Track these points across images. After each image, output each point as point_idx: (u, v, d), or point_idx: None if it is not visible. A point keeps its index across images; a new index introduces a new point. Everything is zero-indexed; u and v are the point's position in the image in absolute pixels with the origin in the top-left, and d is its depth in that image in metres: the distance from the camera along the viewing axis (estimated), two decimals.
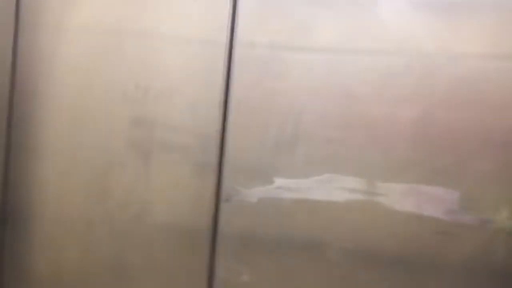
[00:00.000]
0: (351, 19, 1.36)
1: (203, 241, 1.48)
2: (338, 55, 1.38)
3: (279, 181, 1.43)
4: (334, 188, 1.39)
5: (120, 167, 1.53)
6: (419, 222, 1.33)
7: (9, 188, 1.60)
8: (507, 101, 1.27)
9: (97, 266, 1.56)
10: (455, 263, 1.30)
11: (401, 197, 1.34)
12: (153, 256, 1.53)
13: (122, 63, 1.52)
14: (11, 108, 1.59)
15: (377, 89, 1.35)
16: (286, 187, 1.42)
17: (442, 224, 1.31)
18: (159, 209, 1.52)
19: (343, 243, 1.38)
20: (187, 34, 1.48)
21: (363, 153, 1.37)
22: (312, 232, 1.40)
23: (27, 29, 1.56)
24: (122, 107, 1.52)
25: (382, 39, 1.35)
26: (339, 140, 1.38)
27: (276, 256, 1.43)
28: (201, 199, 1.48)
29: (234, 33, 1.44)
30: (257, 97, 1.44)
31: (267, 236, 1.44)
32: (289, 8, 1.40)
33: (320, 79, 1.39)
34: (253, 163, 1.44)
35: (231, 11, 1.44)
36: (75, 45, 1.54)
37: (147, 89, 1.51)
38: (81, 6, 1.53)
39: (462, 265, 1.29)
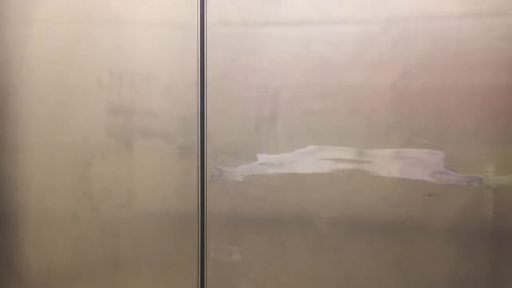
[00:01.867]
0: None
1: (192, 225, 1.46)
2: (312, 26, 1.36)
3: (262, 157, 1.41)
4: (319, 160, 1.37)
5: (102, 156, 1.51)
6: (406, 186, 1.31)
7: None
8: (486, 59, 1.25)
9: (88, 258, 1.55)
10: (444, 223, 1.29)
11: (387, 163, 1.32)
12: (143, 244, 1.51)
13: (94, 51, 1.49)
14: None
15: (354, 57, 1.33)
16: (270, 162, 1.40)
17: (429, 186, 1.30)
18: (145, 196, 1.50)
19: (332, 213, 1.37)
20: (158, 18, 1.46)
21: (344, 122, 1.35)
22: (300, 206, 1.39)
23: None
24: (98, 96, 1.50)
25: (356, 6, 1.32)
26: (320, 111, 1.36)
27: (266, 232, 1.42)
28: (187, 183, 1.46)
29: (205, 13, 1.41)
30: (233, 75, 1.41)
31: (255, 213, 1.42)
32: None
33: (295, 51, 1.37)
34: (235, 141, 1.42)
35: None
36: (44, 38, 1.51)
37: (121, 76, 1.48)
38: None
39: (451, 225, 1.28)
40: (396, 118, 1.31)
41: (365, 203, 1.35)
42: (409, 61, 1.30)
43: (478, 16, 1.26)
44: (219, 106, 1.43)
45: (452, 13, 1.27)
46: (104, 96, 1.50)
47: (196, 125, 1.45)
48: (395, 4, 1.30)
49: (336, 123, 1.36)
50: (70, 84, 1.51)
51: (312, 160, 1.38)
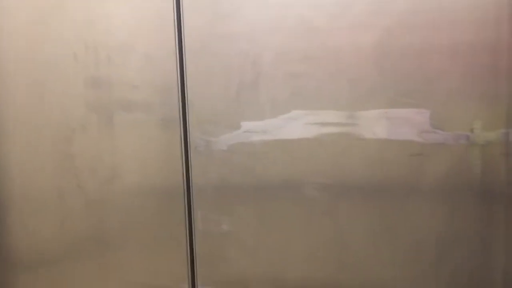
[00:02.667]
0: None
1: (178, 196, 1.44)
2: None
3: (246, 125, 1.38)
4: (304, 124, 1.35)
5: (83, 131, 1.47)
6: (394, 147, 1.29)
7: None
8: (469, 16, 1.22)
9: (75, 236, 1.53)
10: (432, 183, 1.28)
11: (373, 125, 1.30)
12: (130, 218, 1.49)
13: (68, 25, 1.45)
14: None
15: (335, 18, 1.29)
16: (254, 130, 1.38)
17: (416, 146, 1.28)
18: (130, 170, 1.47)
19: (319, 178, 1.35)
20: None
21: (328, 84, 1.32)
22: (286, 172, 1.37)
23: None
24: (75, 70, 1.46)
25: None
26: (303, 75, 1.33)
27: (253, 201, 1.40)
28: (170, 154, 1.44)
29: None
30: (212, 41, 1.37)
31: (242, 182, 1.40)
32: None
33: (275, 15, 1.33)
34: (218, 110, 1.39)
35: None
36: (15, 11, 1.46)
37: (97, 49, 1.44)
38: None
39: (439, 184, 1.27)
40: (380, 78, 1.28)
41: (353, 166, 1.33)
42: (391, 20, 1.26)
43: None
44: (199, 74, 1.39)
45: None
46: (80, 70, 1.46)
47: (177, 95, 1.41)
48: None
49: (320, 87, 1.32)
50: (45, 59, 1.47)
51: (297, 125, 1.35)
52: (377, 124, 1.30)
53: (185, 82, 1.40)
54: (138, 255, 1.50)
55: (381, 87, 1.28)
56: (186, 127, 1.42)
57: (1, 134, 1.52)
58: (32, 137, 1.51)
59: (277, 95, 1.35)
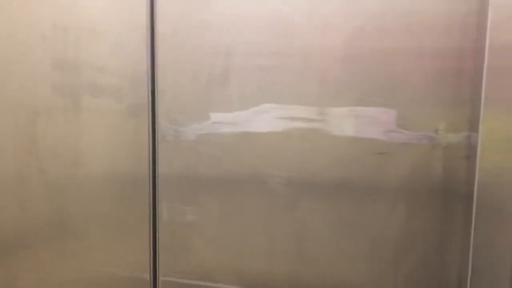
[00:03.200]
0: None
1: (143, 186, 1.43)
2: None
3: (215, 116, 1.38)
4: (272, 118, 1.35)
5: (47, 114, 1.45)
6: (359, 145, 1.31)
7: None
8: (437, 21, 1.24)
9: (36, 221, 1.50)
10: (395, 182, 1.30)
11: (340, 122, 1.32)
12: (93, 206, 1.48)
13: (36, 4, 1.41)
14: None
15: (307, 15, 1.30)
16: (223, 121, 1.38)
17: (381, 145, 1.30)
18: (94, 156, 1.45)
19: (285, 173, 1.36)
20: None
21: (298, 80, 1.33)
22: (253, 165, 1.38)
23: None
24: (42, 50, 1.42)
25: None
26: (273, 69, 1.34)
27: (219, 192, 1.41)
28: (137, 142, 1.43)
29: None
30: (184, 31, 1.37)
31: (208, 173, 1.40)
32: None
33: (248, 7, 1.33)
34: (187, 100, 1.39)
35: None
36: None
37: (67, 31, 1.41)
38: None
39: (402, 184, 1.30)
40: (349, 76, 1.30)
41: (319, 162, 1.35)
42: (361, 22, 1.28)
43: None
44: (169, 63, 1.39)
45: None
46: (48, 51, 1.43)
47: (146, 83, 1.40)
48: None
49: (289, 81, 1.33)
50: (11, 39, 1.44)
51: (266, 119, 1.36)
52: (344, 121, 1.32)
53: (155, 70, 1.39)
54: (99, 243, 1.49)
55: (349, 85, 1.30)
56: (155, 115, 1.41)
57: None
58: None
59: (247, 88, 1.36)
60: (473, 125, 1.23)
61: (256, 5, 1.32)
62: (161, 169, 1.43)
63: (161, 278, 1.47)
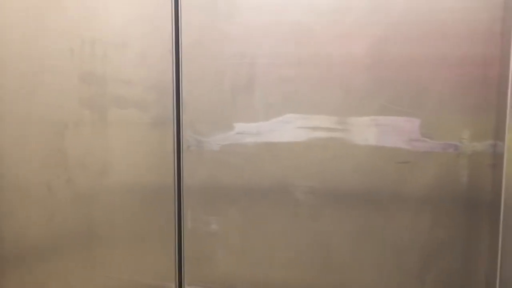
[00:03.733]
0: None
1: (168, 195, 1.45)
2: None
3: (239, 126, 1.40)
4: (295, 128, 1.36)
5: (75, 126, 1.48)
6: (382, 154, 1.31)
7: None
8: (460, 29, 1.24)
9: (64, 230, 1.54)
10: (419, 191, 1.29)
11: (363, 131, 1.32)
12: (119, 215, 1.50)
13: (64, 19, 1.46)
14: None
15: (329, 25, 1.31)
16: (247, 131, 1.39)
17: (404, 154, 1.29)
18: (120, 167, 1.48)
19: (308, 182, 1.36)
20: None
21: (320, 90, 1.33)
22: (276, 175, 1.38)
23: None
24: (71, 64, 1.46)
25: None
26: (296, 78, 1.35)
27: (243, 202, 1.42)
28: (162, 153, 1.45)
29: None
30: (208, 42, 1.39)
31: (232, 183, 1.42)
32: None
33: (271, 18, 1.35)
34: (211, 110, 1.41)
35: None
36: (15, 6, 1.47)
37: (94, 44, 1.45)
38: None
39: (426, 192, 1.29)
40: (372, 85, 1.30)
41: (342, 171, 1.35)
42: (384, 30, 1.28)
43: None
44: (194, 74, 1.41)
45: None
46: (76, 65, 1.47)
47: (171, 94, 1.42)
48: None
49: (312, 92, 1.34)
50: (41, 53, 1.48)
51: (289, 129, 1.37)
52: (367, 131, 1.31)
53: (180, 81, 1.41)
54: (126, 252, 1.51)
55: (372, 94, 1.30)
56: (180, 126, 1.43)
57: None
58: (24, 130, 1.52)
59: (270, 98, 1.37)
60: (499, 133, 1.22)
61: (279, 16, 1.34)
62: (186, 179, 1.44)
63: (186, 287, 1.48)
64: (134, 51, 1.43)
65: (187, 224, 1.45)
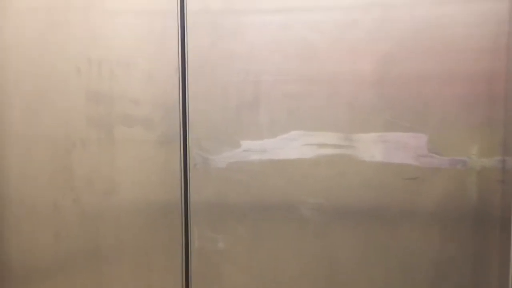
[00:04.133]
0: None
1: (175, 213, 1.45)
2: (293, 12, 1.34)
3: (245, 144, 1.40)
4: (302, 145, 1.36)
5: (82, 145, 1.49)
6: (390, 170, 1.30)
7: None
8: (466, 44, 1.24)
9: (69, 248, 1.53)
10: (427, 208, 1.28)
11: (370, 147, 1.31)
12: (126, 233, 1.50)
13: (73, 39, 1.47)
14: None
15: (335, 41, 1.32)
16: (253, 149, 1.39)
17: (412, 170, 1.29)
18: (127, 185, 1.48)
19: (315, 199, 1.36)
20: (137, 5, 1.44)
21: (327, 106, 1.33)
22: (283, 192, 1.38)
23: None
24: (78, 83, 1.47)
25: None
26: (301, 95, 1.35)
27: (250, 219, 1.41)
28: (169, 171, 1.45)
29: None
30: (214, 61, 1.39)
31: (239, 200, 1.41)
32: None
33: (276, 36, 1.35)
34: (218, 128, 1.41)
35: None
36: (21, 25, 1.49)
37: (101, 63, 1.46)
38: None
39: (434, 208, 1.28)
40: (378, 102, 1.30)
41: (349, 188, 1.34)
42: (390, 46, 1.28)
43: (459, 2, 1.24)
44: (200, 92, 1.41)
45: None
46: (83, 84, 1.48)
47: (178, 113, 1.43)
48: None
49: (318, 108, 1.34)
50: (48, 72, 1.49)
51: (295, 146, 1.36)
52: (374, 147, 1.31)
53: (186, 100, 1.41)
54: (132, 271, 1.50)
55: (379, 110, 1.30)
56: (186, 144, 1.43)
57: (1, 145, 1.53)
58: (31, 149, 1.53)
59: (277, 115, 1.37)
60: (507, 149, 1.21)
61: (283, 33, 1.34)
62: (192, 196, 1.44)
63: None
64: (141, 70, 1.44)
65: (194, 242, 1.45)
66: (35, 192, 1.53)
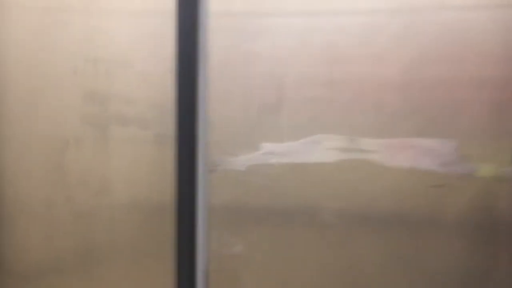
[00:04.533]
0: None
1: (167, 213, 1.41)
2: (317, 16, 1.31)
3: (266, 147, 1.36)
4: (324, 149, 1.33)
5: (76, 144, 1.47)
6: (414, 177, 1.28)
7: None
8: (494, 51, 1.22)
9: (62, 248, 1.51)
10: (453, 215, 1.26)
11: (394, 153, 1.28)
12: (119, 234, 1.47)
13: (69, 38, 1.45)
14: None
15: (360, 46, 1.29)
16: (274, 152, 1.36)
17: (438, 177, 1.26)
18: (121, 185, 1.46)
19: (336, 204, 1.33)
20: (132, 5, 1.42)
21: (351, 110, 1.31)
22: (304, 196, 1.35)
23: None
24: (74, 82, 1.45)
25: None
26: (325, 99, 1.32)
27: (268, 224, 1.38)
28: (162, 171, 1.41)
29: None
30: (235, 62, 1.36)
31: (258, 204, 1.38)
32: None
33: (300, 39, 1.32)
34: (238, 130, 1.37)
35: None
36: (17, 24, 1.47)
37: (97, 63, 1.43)
38: None
39: (461, 217, 1.26)
40: (405, 106, 1.27)
41: (371, 193, 1.31)
42: (417, 50, 1.26)
43: (486, 8, 1.22)
44: (220, 94, 1.38)
45: (460, 4, 1.23)
46: (79, 83, 1.45)
47: (172, 112, 1.39)
48: None
49: (342, 112, 1.31)
50: (44, 71, 1.48)
51: (317, 150, 1.33)
52: (399, 153, 1.28)
53: (206, 101, 1.38)
54: (124, 271, 1.48)
55: (406, 115, 1.27)
56: (196, 145, 1.39)
57: None
58: (25, 147, 1.50)
59: (299, 118, 1.34)
60: None
61: (309, 36, 1.32)
62: (210, 199, 1.41)
63: None
64: (136, 70, 1.42)
65: (211, 245, 1.41)
66: (29, 191, 1.50)
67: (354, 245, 1.33)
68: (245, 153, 1.37)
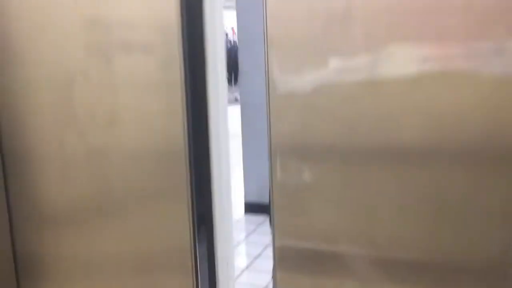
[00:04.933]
0: None
1: (179, 146, 1.35)
2: None
3: (335, 62, 1.21)
4: (402, 61, 1.16)
5: (82, 76, 1.40)
6: (510, 87, 1.09)
7: None
8: None
9: (78, 189, 1.47)
10: None
11: (486, 59, 1.10)
12: (132, 169, 1.42)
13: None
14: None
15: None
16: (344, 68, 1.21)
17: None
18: (131, 116, 1.38)
19: (417, 127, 1.16)
20: None
21: (432, 10, 1.12)
22: (379, 119, 1.19)
23: None
24: (75, 10, 1.37)
25: None
26: (401, 4, 1.14)
27: (339, 151, 1.24)
28: (171, 96, 1.34)
29: None
30: None
31: (326, 129, 1.24)
32: None
33: None
34: (301, 45, 1.23)
35: None
36: None
37: None
38: None
39: None
40: (497, 2, 1.08)
41: (459, 110, 1.13)
42: None
43: None
44: (281, 5, 1.24)
45: None
46: (80, 10, 1.37)
47: (177, 35, 1.30)
48: None
49: (421, 16, 1.13)
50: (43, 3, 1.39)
51: (394, 62, 1.17)
52: (491, 58, 1.10)
53: (265, 16, 1.24)
54: (140, 211, 1.43)
55: (499, 13, 1.08)
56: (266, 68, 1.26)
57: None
58: (31, 85, 1.46)
59: (371, 26, 1.18)
60: None
61: None
62: (273, 124, 1.28)
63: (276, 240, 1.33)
64: None
65: (276, 174, 1.29)
66: (40, 131, 1.47)
67: (437, 171, 1.17)
68: (311, 71, 1.23)
